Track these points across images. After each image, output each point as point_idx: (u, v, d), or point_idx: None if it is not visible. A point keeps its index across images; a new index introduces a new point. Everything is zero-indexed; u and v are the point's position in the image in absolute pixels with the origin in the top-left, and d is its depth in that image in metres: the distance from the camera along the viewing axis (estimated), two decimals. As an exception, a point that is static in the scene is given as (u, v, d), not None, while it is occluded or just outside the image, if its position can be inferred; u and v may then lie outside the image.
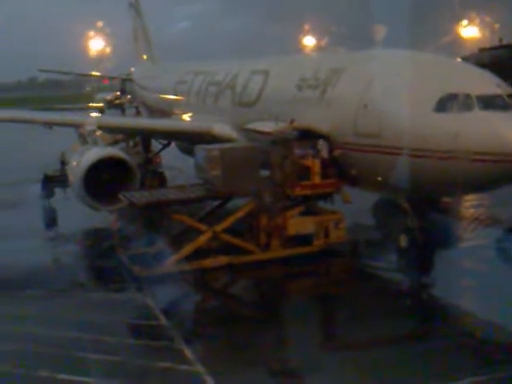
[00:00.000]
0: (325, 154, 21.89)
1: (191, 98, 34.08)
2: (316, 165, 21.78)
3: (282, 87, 25.54)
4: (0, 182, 37.85)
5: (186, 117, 33.71)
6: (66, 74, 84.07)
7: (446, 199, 26.11)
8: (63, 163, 30.20)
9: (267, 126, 23.96)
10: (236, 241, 22.26)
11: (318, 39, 72.06)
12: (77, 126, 31.99)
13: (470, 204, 28.22)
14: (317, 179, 21.88)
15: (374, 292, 19.40)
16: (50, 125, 33.16)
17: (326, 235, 22.32)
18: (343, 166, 21.68)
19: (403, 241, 21.14)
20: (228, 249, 22.03)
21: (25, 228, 27.71)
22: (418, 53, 22.01)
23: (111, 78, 77.16)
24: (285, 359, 15.18)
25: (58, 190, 31.75)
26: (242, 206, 22.63)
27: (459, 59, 22.76)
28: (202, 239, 21.95)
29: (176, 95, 37.02)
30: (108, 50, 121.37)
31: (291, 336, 16.46)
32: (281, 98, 25.07)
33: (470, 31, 64.43)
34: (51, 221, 29.51)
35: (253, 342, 15.99)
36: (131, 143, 36.60)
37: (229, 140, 26.79)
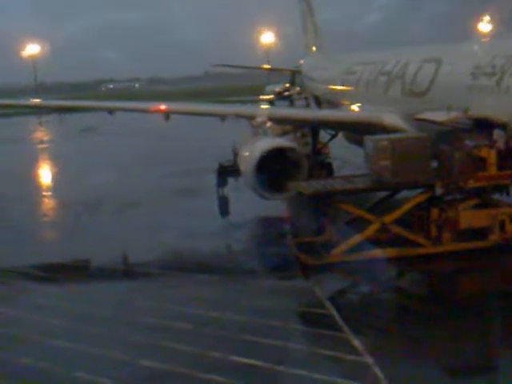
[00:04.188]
0: (501, 144, 20.87)
1: (360, 88, 33.84)
2: (492, 156, 20.83)
3: (455, 75, 24.61)
4: (180, 171, 40.32)
5: (355, 107, 33.53)
6: (237, 67, 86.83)
7: None
8: (235, 154, 31.20)
9: (439, 116, 23.24)
10: (405, 233, 21.90)
11: (496, 25, 68.56)
12: (248, 118, 32.93)
13: None
14: (492, 171, 20.93)
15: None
16: (222, 116, 34.42)
17: (503, 229, 21.31)
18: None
19: None
20: (396, 240, 21.75)
21: (200, 215, 29.19)
22: None
23: (280, 71, 78.42)
24: (455, 355, 14.72)
25: (231, 180, 32.91)
26: (411, 198, 22.22)
27: None
28: (371, 230, 21.83)
29: (344, 86, 36.93)
30: (278, 42, 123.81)
31: (462, 332, 15.93)
32: (454, 87, 24.18)
33: None
34: (224, 209, 30.73)
35: (423, 336, 15.68)
36: (299, 134, 37.06)
37: (399, 130, 26.30)
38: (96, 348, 15.73)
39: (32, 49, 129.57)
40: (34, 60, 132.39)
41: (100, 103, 43.99)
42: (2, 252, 24.99)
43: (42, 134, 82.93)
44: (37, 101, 55.87)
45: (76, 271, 22.63)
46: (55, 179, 46.15)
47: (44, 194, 40.13)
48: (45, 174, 49.19)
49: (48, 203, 36.94)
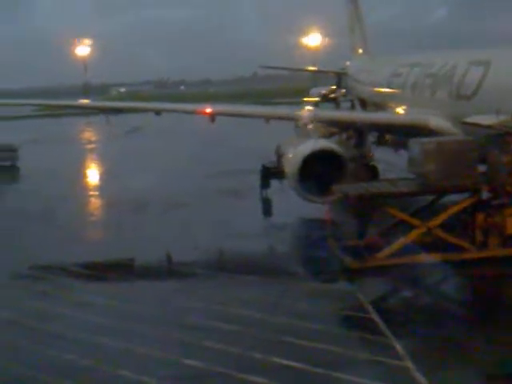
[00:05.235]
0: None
1: (406, 90, 33.51)
2: (540, 160, 20.41)
3: (504, 78, 24.18)
4: (224, 172, 40.72)
5: (401, 110, 33.23)
6: (283, 69, 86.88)
7: None
8: (279, 155, 31.27)
9: (487, 119, 22.86)
10: (450, 237, 21.60)
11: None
12: (293, 120, 32.95)
13: None
14: (541, 176, 20.51)
15: None
16: (267, 118, 34.50)
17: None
18: None
19: None
20: (441, 245, 21.48)
21: (243, 216, 29.34)
22: None
23: (326, 73, 78.16)
24: (498, 362, 14.47)
25: (275, 181, 32.94)
26: (457, 202, 21.91)
27: None
28: (415, 234, 21.62)
29: (390, 88, 36.64)
30: (325, 44, 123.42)
31: (506, 338, 15.63)
32: (502, 90, 23.75)
33: None
34: (267, 210, 30.81)
35: (465, 342, 15.47)
36: (344, 136, 36.89)
37: (445, 133, 25.98)
38: (140, 346, 15.94)
39: (82, 50, 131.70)
40: (84, 61, 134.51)
41: (147, 104, 44.65)
42: (48, 250, 25.56)
43: (89, 135, 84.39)
44: (85, 102, 56.94)
45: (121, 270, 22.97)
46: (102, 179, 46.91)
47: (91, 193, 40.86)
48: (92, 174, 50.06)
49: (95, 203, 37.60)
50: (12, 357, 15.87)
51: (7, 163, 52.49)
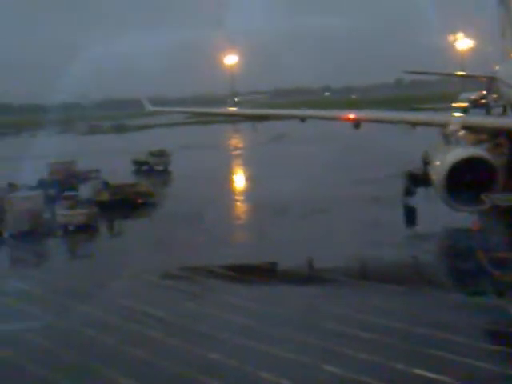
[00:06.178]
0: None
1: None
2: None
3: None
4: (367, 178, 40.38)
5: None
6: (429, 74, 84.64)
7: None
8: (426, 162, 30.48)
9: None
10: None
11: None
12: (440, 126, 32.00)
13: None
14: None
15: None
16: (413, 124, 33.78)
17: None
18: None
19: None
20: None
21: (385, 224, 28.87)
22: None
23: (475, 77, 75.25)
24: None
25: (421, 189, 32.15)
26: None
27: None
28: None
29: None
30: (472, 48, 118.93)
31: None
32: None
33: None
34: (411, 218, 30.08)
35: None
36: (495, 143, 35.23)
37: None
38: (280, 349, 16.21)
39: (230, 59, 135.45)
40: (231, 70, 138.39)
41: (292, 111, 45.23)
42: (195, 251, 26.60)
43: (236, 141, 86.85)
44: (232, 109, 58.71)
45: (263, 273, 23.42)
46: (246, 184, 48.16)
47: (236, 197, 42.03)
48: (237, 179, 51.48)
49: (239, 206, 38.66)
50: (162, 353, 16.66)
51: (160, 168, 55.49)
